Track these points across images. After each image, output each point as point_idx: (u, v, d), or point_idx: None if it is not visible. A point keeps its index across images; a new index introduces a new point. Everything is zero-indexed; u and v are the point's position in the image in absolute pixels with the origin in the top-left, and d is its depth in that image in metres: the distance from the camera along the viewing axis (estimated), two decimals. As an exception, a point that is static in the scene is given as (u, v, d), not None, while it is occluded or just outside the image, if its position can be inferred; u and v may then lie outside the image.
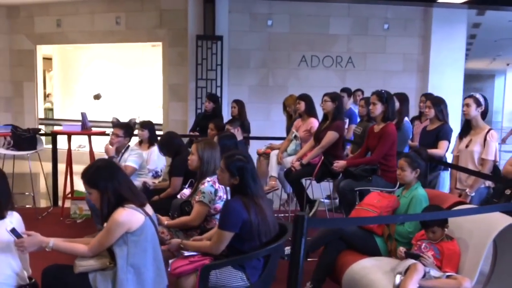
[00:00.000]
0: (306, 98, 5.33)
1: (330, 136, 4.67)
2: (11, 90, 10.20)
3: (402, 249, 3.22)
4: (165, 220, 3.35)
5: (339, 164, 4.39)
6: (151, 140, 5.24)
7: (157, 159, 5.14)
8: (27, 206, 6.09)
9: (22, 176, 6.54)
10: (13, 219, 2.64)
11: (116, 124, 4.97)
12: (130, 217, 2.50)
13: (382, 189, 4.07)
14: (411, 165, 3.61)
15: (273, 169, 5.17)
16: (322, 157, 4.77)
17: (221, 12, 8.60)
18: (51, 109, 11.32)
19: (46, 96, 11.54)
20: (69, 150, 5.77)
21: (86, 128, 5.60)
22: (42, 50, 10.34)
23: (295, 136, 5.27)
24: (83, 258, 2.56)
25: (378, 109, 4.36)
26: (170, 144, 4.56)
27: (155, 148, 5.10)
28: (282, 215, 5.65)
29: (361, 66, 9.15)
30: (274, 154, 5.30)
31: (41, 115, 10.45)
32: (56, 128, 9.47)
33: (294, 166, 4.79)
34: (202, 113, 6.79)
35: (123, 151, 4.76)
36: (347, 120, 6.08)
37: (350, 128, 6.09)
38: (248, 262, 2.73)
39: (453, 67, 8.96)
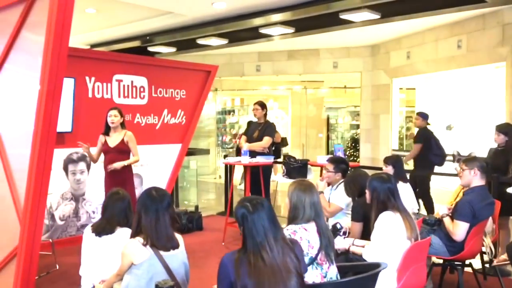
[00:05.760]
0: None
1: None
2: (371, 122, 10.93)
3: None
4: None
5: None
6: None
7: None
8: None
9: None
10: (120, 234, 3.17)
11: (329, 158, 4.66)
12: (132, 250, 2.59)
13: None
14: None
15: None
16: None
17: None
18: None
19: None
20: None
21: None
22: (400, 83, 10.58)
23: None
24: (119, 281, 2.78)
25: None
26: (353, 183, 3.90)
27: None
28: None
29: None
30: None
31: (395, 146, 10.63)
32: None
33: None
34: (493, 148, 5.29)
35: (334, 186, 4.44)
36: None
37: None
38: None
39: None
